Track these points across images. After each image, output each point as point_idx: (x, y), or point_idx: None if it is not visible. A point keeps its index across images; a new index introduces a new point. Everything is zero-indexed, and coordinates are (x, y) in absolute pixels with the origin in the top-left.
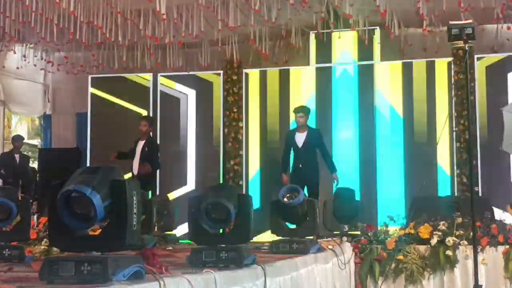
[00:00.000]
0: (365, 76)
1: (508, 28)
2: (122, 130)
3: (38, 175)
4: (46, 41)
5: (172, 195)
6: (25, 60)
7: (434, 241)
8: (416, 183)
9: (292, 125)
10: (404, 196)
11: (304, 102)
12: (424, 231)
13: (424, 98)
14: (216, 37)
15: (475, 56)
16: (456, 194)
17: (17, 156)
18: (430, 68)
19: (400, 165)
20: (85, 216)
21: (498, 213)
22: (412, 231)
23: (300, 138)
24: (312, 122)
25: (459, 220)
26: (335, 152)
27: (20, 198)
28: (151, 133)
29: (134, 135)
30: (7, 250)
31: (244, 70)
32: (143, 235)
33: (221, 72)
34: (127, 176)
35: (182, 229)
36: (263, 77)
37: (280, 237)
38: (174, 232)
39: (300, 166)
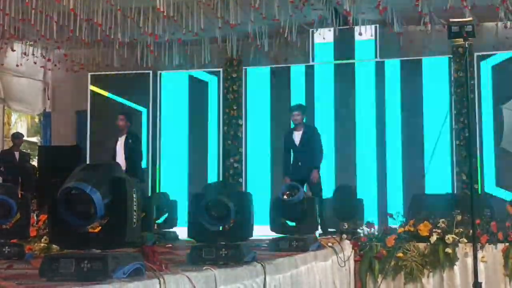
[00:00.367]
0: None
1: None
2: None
3: (37, 172)
4: (45, 39)
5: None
6: (24, 57)
7: (433, 238)
8: (416, 182)
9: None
10: (404, 194)
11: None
12: (423, 228)
13: (424, 95)
14: (216, 34)
15: (475, 54)
16: (455, 192)
17: (16, 153)
18: (430, 66)
19: (400, 164)
20: (85, 213)
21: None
22: (412, 229)
23: (297, 137)
24: (310, 120)
25: (459, 217)
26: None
27: (19, 196)
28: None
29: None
30: (7, 247)
31: (244, 68)
32: (143, 232)
33: (221, 69)
34: None
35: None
36: (262, 75)
37: (280, 235)
38: (174, 229)
39: (300, 164)
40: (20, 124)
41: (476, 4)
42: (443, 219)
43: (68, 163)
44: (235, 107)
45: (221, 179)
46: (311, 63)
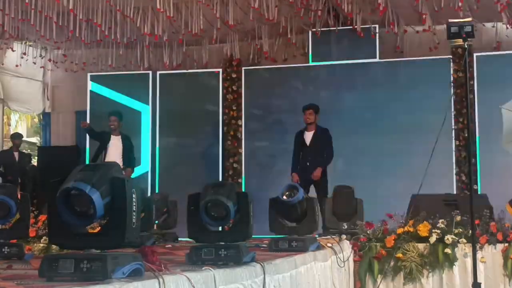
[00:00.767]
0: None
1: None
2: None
3: (37, 172)
4: (45, 39)
5: None
6: (24, 57)
7: (433, 239)
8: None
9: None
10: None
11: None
12: (423, 229)
13: (423, 95)
14: (216, 35)
15: (474, 55)
16: (455, 192)
17: (16, 154)
18: (430, 66)
19: (400, 164)
20: (84, 213)
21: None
22: (411, 229)
23: (308, 137)
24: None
25: (458, 218)
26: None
27: (19, 196)
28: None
29: (132, 133)
30: (6, 247)
31: (244, 68)
32: (143, 232)
33: (220, 70)
34: None
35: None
36: (262, 75)
37: (279, 235)
38: (173, 229)
39: (308, 164)
40: (20, 124)
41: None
42: (442, 220)
43: (67, 163)
44: (234, 108)
45: (220, 179)
46: (310, 63)
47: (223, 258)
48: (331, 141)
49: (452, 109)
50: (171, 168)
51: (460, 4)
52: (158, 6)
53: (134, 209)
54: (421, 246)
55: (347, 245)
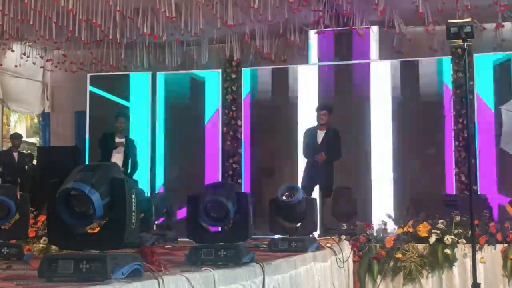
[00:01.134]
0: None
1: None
2: None
3: (36, 173)
4: (45, 39)
5: None
6: (24, 58)
7: (432, 239)
8: (415, 182)
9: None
10: (403, 195)
11: (303, 100)
12: (422, 229)
13: (423, 95)
14: (215, 35)
15: (474, 55)
16: (454, 192)
17: (15, 154)
18: (429, 67)
19: (399, 164)
20: (84, 214)
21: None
22: (411, 230)
23: (320, 136)
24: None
25: (458, 218)
26: None
27: (18, 196)
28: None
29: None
30: (5, 248)
31: (243, 68)
32: (142, 233)
33: (220, 70)
34: None
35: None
36: (262, 75)
37: (279, 236)
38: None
39: (315, 163)
40: (19, 124)
41: (476, 5)
42: (442, 220)
43: (67, 164)
44: (234, 108)
45: (220, 179)
46: (310, 63)
47: (222, 258)
48: (340, 141)
49: (452, 110)
50: (170, 168)
51: (460, 4)
52: (158, 6)
53: (133, 210)
54: (420, 246)
55: (346, 246)
